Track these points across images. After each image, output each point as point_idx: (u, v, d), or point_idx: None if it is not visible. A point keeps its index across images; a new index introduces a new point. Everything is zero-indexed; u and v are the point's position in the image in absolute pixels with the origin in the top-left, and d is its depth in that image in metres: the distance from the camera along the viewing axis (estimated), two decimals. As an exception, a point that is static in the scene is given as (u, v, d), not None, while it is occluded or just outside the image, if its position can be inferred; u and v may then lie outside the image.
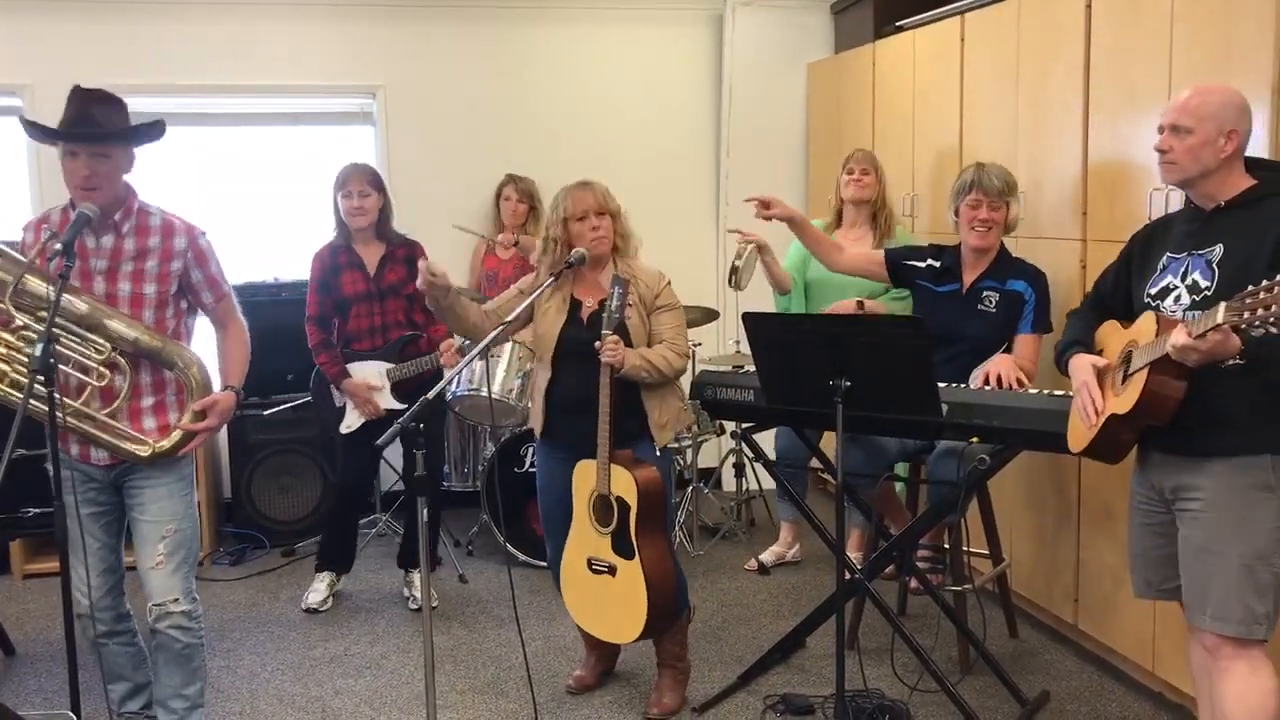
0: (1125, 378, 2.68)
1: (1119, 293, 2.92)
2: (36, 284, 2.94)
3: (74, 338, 2.98)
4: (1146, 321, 2.68)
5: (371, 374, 4.44)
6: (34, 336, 2.88)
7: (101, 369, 2.99)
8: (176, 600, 3.11)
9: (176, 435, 3.09)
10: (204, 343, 3.30)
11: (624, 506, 3.42)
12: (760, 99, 6.15)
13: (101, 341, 2.98)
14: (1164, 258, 2.78)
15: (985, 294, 3.81)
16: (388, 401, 4.44)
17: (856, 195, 4.63)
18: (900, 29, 5.25)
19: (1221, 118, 2.64)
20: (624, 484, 3.41)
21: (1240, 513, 2.61)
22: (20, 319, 2.93)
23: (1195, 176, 2.69)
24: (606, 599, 3.50)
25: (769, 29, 6.13)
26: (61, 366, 2.95)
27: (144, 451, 3.05)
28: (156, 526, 3.09)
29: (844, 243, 4.65)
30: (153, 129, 3.10)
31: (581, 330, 3.51)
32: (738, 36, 6.09)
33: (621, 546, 3.46)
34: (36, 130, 3.04)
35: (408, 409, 4.38)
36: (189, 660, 3.17)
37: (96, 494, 3.13)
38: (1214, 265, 2.64)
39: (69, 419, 2.95)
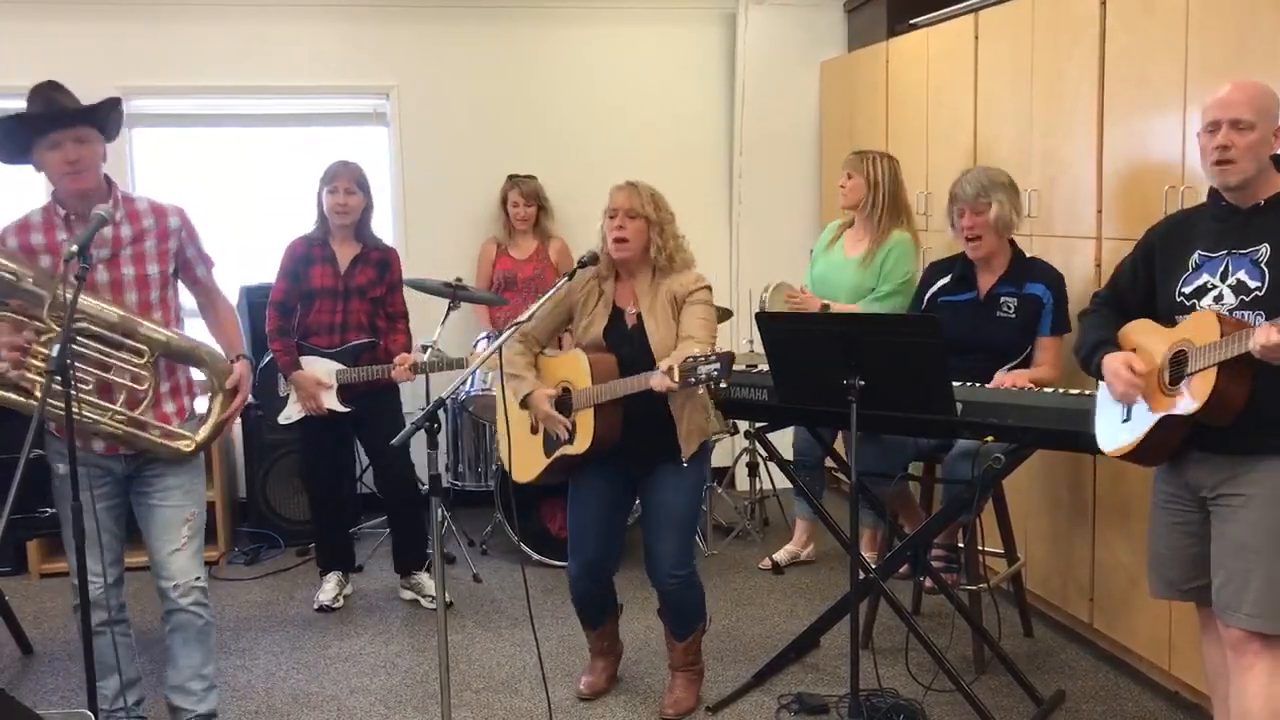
0: (1176, 379, 2.62)
1: (1139, 289, 2.85)
2: (69, 295, 2.89)
3: (111, 346, 3.03)
4: (1204, 321, 2.59)
5: (321, 372, 4.44)
6: (76, 348, 2.95)
7: (144, 373, 3.06)
8: (198, 578, 3.23)
9: (209, 427, 3.20)
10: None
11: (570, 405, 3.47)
12: (773, 98, 6.14)
13: (141, 346, 3.05)
14: (1195, 255, 2.71)
15: (1003, 300, 3.78)
16: (331, 402, 4.43)
17: (843, 202, 4.67)
18: (914, 27, 5.24)
19: (1274, 113, 2.57)
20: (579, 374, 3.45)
21: None
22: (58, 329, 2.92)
23: (1253, 177, 2.59)
24: (521, 442, 3.59)
25: (782, 28, 6.12)
26: (103, 375, 3.03)
27: (189, 447, 3.17)
28: (179, 512, 3.20)
29: (850, 246, 4.69)
30: (116, 108, 3.14)
31: (625, 343, 3.47)
32: (750, 35, 6.09)
33: (550, 440, 3.52)
34: (19, 130, 3.02)
35: (351, 412, 4.44)
36: (206, 638, 3.28)
37: (111, 488, 3.19)
38: (1262, 265, 2.58)
39: (122, 427, 3.05)
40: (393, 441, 2.96)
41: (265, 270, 5.44)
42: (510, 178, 5.65)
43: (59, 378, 2.67)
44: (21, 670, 4.10)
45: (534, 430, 3.59)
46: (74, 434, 2.73)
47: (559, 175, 5.75)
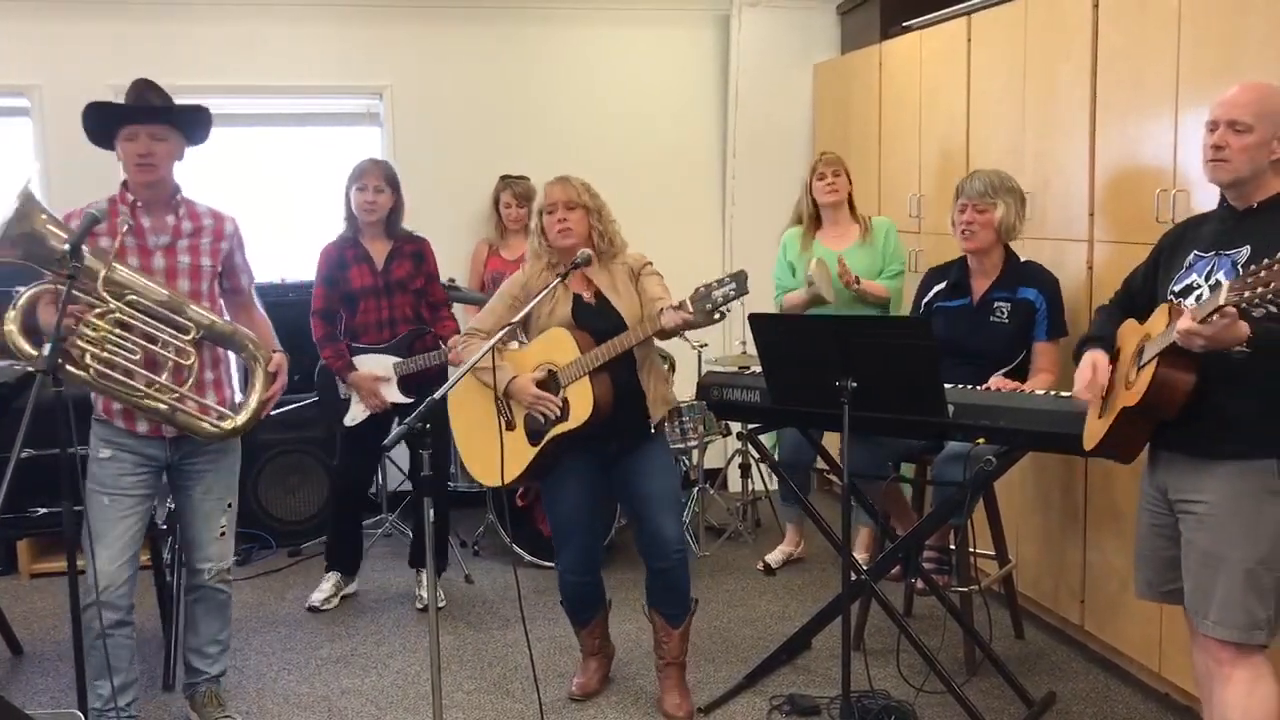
0: (1139, 371, 2.65)
1: (1146, 291, 2.88)
2: (122, 271, 3.11)
3: (160, 322, 3.16)
4: (1159, 314, 2.65)
5: (378, 367, 4.45)
6: (124, 319, 3.09)
7: (188, 349, 3.18)
8: (230, 561, 3.51)
9: (253, 401, 3.33)
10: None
11: (557, 384, 3.47)
12: (767, 100, 6.15)
13: (186, 323, 3.18)
14: (1191, 255, 2.73)
15: (997, 305, 3.79)
16: (394, 395, 4.45)
17: (833, 199, 4.72)
18: (907, 29, 5.25)
19: (1277, 118, 2.56)
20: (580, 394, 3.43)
21: (1246, 517, 2.58)
22: (113, 304, 3.08)
23: (1247, 178, 2.60)
24: (495, 444, 3.48)
25: (775, 30, 6.13)
26: (150, 346, 3.15)
27: (230, 425, 3.30)
28: (220, 502, 3.42)
29: (831, 241, 4.74)
30: (200, 114, 3.32)
31: (596, 318, 3.50)
32: (744, 37, 6.10)
33: (534, 429, 3.50)
34: (99, 115, 3.22)
35: (414, 403, 4.44)
36: (225, 608, 3.54)
37: (150, 478, 3.30)
38: (1239, 267, 2.59)
39: (168, 400, 3.16)
40: (384, 443, 2.96)
41: (262, 270, 5.44)
42: (503, 178, 5.66)
43: (70, 371, 2.74)
44: (11, 671, 4.09)
45: (510, 426, 3.58)
46: (74, 428, 2.75)
47: (552, 176, 5.73)
